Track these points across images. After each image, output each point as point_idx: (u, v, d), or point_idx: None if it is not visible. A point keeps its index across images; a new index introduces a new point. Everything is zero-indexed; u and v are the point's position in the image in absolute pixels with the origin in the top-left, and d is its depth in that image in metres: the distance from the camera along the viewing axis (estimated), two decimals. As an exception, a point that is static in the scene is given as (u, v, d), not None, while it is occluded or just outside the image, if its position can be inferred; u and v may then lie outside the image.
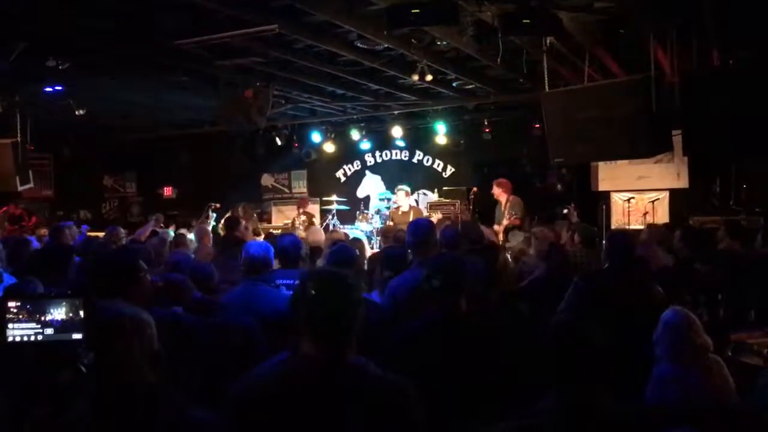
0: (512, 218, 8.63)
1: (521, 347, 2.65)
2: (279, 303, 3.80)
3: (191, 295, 3.58)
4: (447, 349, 2.77)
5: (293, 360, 2.01)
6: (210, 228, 8.00)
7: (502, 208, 8.85)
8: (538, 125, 10.24)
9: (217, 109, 9.18)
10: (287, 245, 4.39)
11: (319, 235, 7.09)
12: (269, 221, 13.64)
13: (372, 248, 9.72)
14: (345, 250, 3.95)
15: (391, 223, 9.90)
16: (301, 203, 10.80)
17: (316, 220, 10.45)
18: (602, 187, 11.10)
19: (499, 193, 8.94)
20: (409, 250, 4.15)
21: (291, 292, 4.06)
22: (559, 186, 10.80)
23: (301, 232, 7.21)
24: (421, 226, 4.14)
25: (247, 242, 4.16)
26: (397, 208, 10.37)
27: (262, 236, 9.03)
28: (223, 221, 9.08)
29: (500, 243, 8.29)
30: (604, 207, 9.93)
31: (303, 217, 10.47)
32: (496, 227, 8.63)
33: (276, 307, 3.74)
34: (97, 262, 3.05)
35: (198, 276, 3.84)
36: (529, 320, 3.86)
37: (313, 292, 2.01)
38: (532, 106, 9.39)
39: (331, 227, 10.38)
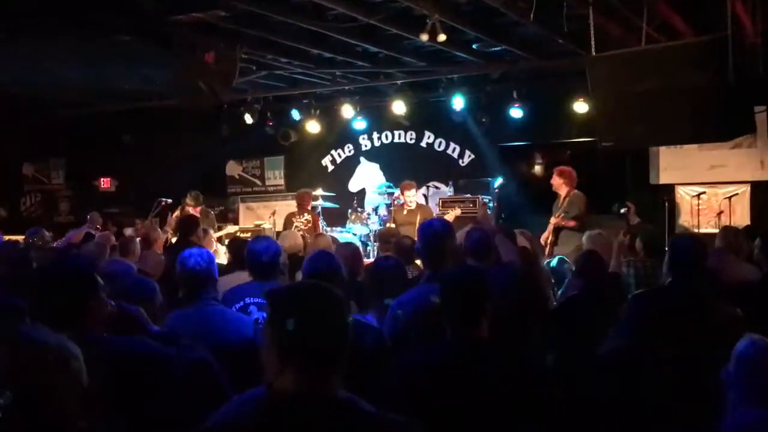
0: (560, 217, 8.67)
1: (553, 385, 2.68)
2: (242, 329, 3.80)
3: (149, 327, 3.56)
4: (460, 387, 2.78)
5: (268, 397, 2.03)
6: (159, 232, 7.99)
7: (560, 203, 8.92)
8: (582, 99, 10.26)
9: (169, 79, 9.18)
10: (260, 252, 4.38)
11: (296, 240, 7.10)
12: (236, 222, 13.66)
13: (369, 256, 9.74)
14: (325, 258, 3.96)
15: (393, 225, 9.92)
16: (302, 199, 10.67)
17: (300, 220, 10.39)
18: (664, 179, 11.10)
19: (559, 184, 8.99)
20: (419, 261, 4.16)
21: (263, 315, 4.08)
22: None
23: (297, 239, 7.21)
24: (435, 229, 4.14)
25: (182, 252, 4.08)
26: (402, 205, 10.40)
27: (215, 238, 9.03)
28: (174, 222, 9.10)
29: (548, 245, 8.38)
30: (666, 204, 9.94)
31: (306, 216, 10.35)
32: (552, 220, 8.77)
33: (238, 334, 3.74)
34: (46, 273, 3.05)
35: (134, 295, 3.82)
36: (564, 351, 3.88)
37: (291, 312, 2.03)
38: (576, 74, 9.37)
39: (323, 227, 10.40)
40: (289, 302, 2.08)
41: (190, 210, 10.03)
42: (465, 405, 2.74)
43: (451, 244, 4.11)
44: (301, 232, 9.56)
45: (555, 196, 9.09)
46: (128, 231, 9.36)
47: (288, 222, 10.31)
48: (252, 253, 4.44)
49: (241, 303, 4.22)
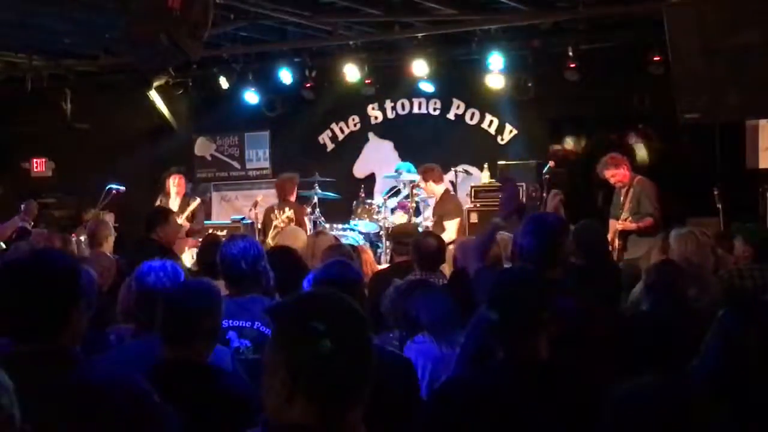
0: (628, 219, 8.64)
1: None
2: (217, 362, 3.81)
3: None
4: (512, 419, 2.83)
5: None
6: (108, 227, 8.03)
7: (621, 198, 8.88)
8: (659, 57, 10.20)
9: (121, 29, 9.17)
10: (237, 257, 4.39)
11: (298, 240, 7.11)
12: (207, 216, 13.66)
13: (380, 261, 9.72)
14: (343, 269, 3.98)
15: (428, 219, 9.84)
16: (282, 187, 10.63)
17: (280, 217, 10.35)
18: (765, 162, 11.03)
19: (615, 175, 8.90)
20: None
21: (245, 343, 4.13)
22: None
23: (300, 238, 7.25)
24: (551, 225, 4.19)
25: (140, 268, 4.14)
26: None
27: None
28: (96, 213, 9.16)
29: (616, 250, 8.46)
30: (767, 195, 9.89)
31: (287, 211, 10.26)
32: (619, 224, 8.76)
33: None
34: (18, 270, 3.04)
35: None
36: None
37: (314, 329, 2.04)
38: (650, 24, 9.31)
39: (310, 227, 10.37)
40: (309, 317, 2.07)
41: (174, 188, 10.41)
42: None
43: (569, 244, 4.15)
44: (279, 233, 9.57)
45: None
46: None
47: (267, 219, 10.33)
48: (226, 258, 4.45)
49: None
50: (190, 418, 3.03)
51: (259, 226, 10.76)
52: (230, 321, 4.19)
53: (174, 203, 10.42)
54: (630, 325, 4.98)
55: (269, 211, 10.40)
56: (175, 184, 10.58)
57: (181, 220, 10.26)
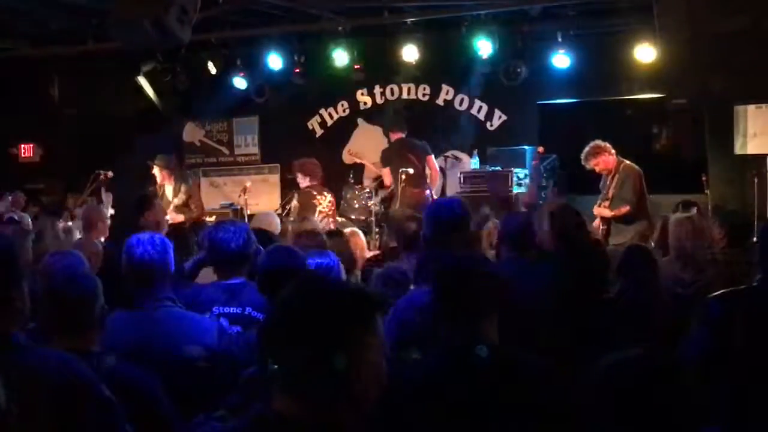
0: (605, 205, 8.70)
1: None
2: (203, 337, 3.85)
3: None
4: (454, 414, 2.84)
5: (262, 423, 2.07)
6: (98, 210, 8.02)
7: (608, 183, 8.91)
8: (647, 43, 10.23)
9: (109, 14, 9.15)
10: (227, 242, 4.40)
11: (271, 224, 7.09)
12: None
13: (368, 246, 9.74)
14: (281, 256, 4.00)
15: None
16: (313, 170, 10.32)
17: (323, 202, 10.14)
18: (753, 148, 11.06)
19: (598, 164, 8.93)
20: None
21: (236, 329, 4.13)
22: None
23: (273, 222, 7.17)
24: (450, 211, 4.15)
25: (129, 239, 4.13)
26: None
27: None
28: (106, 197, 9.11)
29: (602, 235, 8.45)
30: (756, 181, 9.93)
31: (329, 196, 10.03)
32: (596, 210, 8.83)
33: (197, 344, 3.80)
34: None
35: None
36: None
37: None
38: (639, 9, 9.32)
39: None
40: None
41: (160, 175, 10.05)
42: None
43: (467, 232, 4.12)
44: (324, 219, 9.44)
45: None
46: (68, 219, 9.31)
47: (307, 204, 9.90)
48: (215, 241, 4.45)
49: (209, 313, 4.21)
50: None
51: (253, 211, 10.64)
52: (221, 308, 4.20)
53: (168, 189, 10.11)
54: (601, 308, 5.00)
55: (310, 197, 9.99)
56: (158, 173, 10.27)
57: (178, 201, 10.11)
